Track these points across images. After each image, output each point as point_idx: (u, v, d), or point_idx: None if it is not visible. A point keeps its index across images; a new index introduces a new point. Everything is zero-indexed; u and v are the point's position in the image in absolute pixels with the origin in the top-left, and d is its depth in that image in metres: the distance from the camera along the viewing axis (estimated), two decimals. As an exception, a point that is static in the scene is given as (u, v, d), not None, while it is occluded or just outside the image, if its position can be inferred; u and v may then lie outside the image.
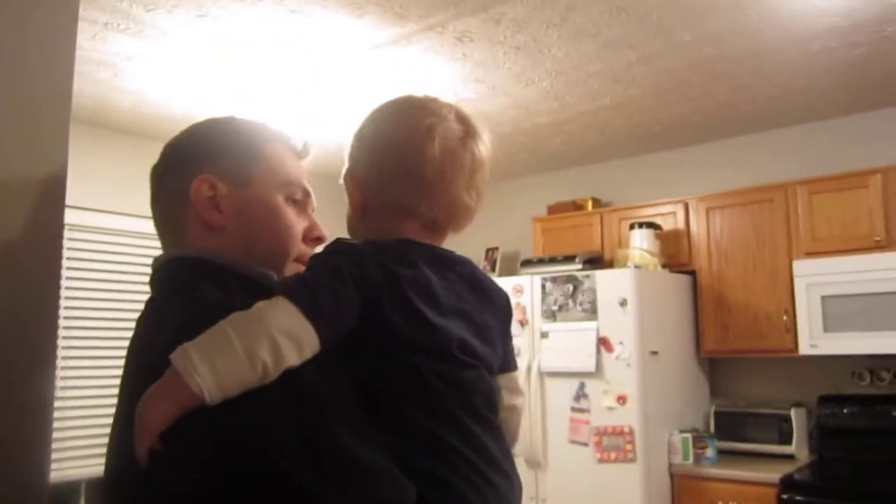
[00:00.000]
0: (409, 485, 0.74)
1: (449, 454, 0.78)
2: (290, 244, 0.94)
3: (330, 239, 0.91)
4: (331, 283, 0.77)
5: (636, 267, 3.60)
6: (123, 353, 0.88)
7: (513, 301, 1.54)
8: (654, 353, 3.57)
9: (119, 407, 0.84)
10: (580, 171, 4.63)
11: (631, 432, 3.40)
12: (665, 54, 2.96)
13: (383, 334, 0.80)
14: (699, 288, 3.91)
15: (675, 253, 3.96)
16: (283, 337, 0.71)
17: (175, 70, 3.04)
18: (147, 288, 0.96)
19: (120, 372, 0.87)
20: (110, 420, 0.85)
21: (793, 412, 3.60)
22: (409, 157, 0.88)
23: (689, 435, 3.58)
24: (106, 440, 0.85)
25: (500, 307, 0.94)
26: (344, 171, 0.95)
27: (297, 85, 3.21)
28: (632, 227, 3.95)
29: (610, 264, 3.93)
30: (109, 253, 3.76)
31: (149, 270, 0.96)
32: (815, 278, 3.44)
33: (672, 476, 3.55)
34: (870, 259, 3.32)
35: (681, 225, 3.98)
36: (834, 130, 3.84)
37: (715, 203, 3.89)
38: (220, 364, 0.68)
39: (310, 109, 3.53)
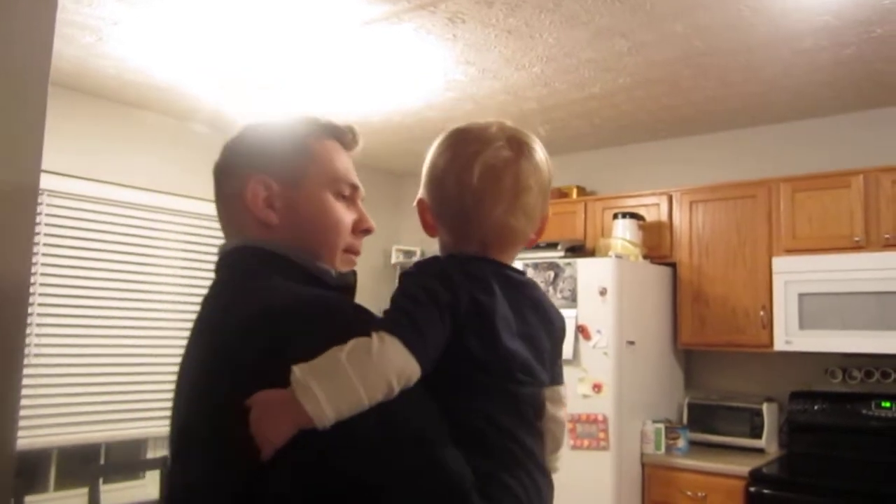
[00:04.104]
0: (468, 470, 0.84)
1: (500, 453, 0.89)
2: (338, 239, 1.02)
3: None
4: (432, 318, 0.85)
5: (617, 256, 3.61)
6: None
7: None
8: (631, 342, 3.59)
9: (189, 374, 0.95)
10: (566, 159, 4.62)
11: (605, 421, 3.43)
12: (656, 45, 2.96)
13: (459, 356, 0.88)
14: (679, 280, 3.93)
15: (656, 244, 3.98)
16: (395, 377, 0.80)
17: (161, 38, 2.99)
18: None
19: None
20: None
21: (764, 407, 3.64)
22: (451, 187, 0.95)
23: (661, 425, 3.61)
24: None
25: (556, 328, 1.02)
26: (417, 199, 1.03)
27: (286, 58, 3.17)
28: (615, 216, 3.96)
29: (592, 253, 3.94)
30: (88, 220, 3.71)
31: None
32: (793, 276, 3.47)
33: (643, 465, 3.59)
34: (848, 259, 3.35)
35: (664, 217, 4.00)
36: (820, 129, 3.86)
37: (698, 196, 3.91)
38: (342, 403, 0.78)
39: (298, 83, 3.49)
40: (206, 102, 3.79)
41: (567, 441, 3.56)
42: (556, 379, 1.03)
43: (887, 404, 3.40)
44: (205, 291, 1.02)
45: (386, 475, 0.79)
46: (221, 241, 1.06)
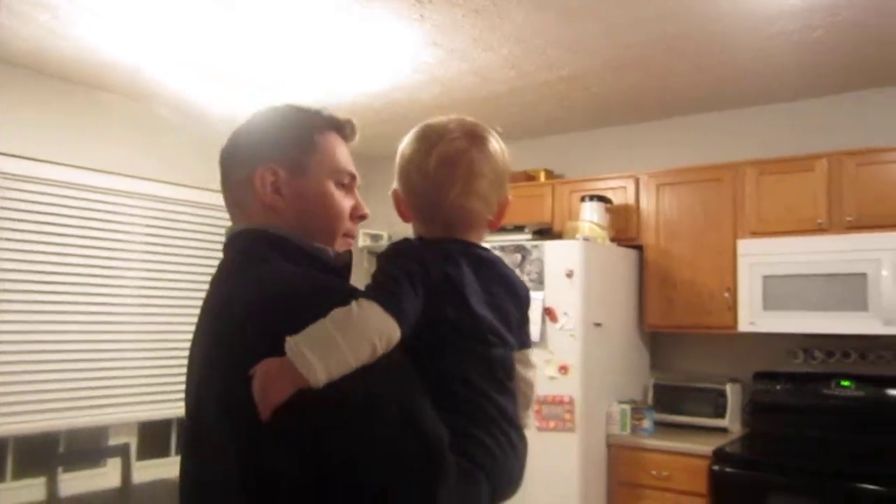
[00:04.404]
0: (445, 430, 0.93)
1: (475, 413, 0.99)
2: (339, 224, 1.12)
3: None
4: (407, 288, 0.95)
5: (585, 239, 3.61)
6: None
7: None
8: (598, 324, 3.61)
9: (197, 360, 1.04)
10: (534, 143, 4.61)
11: (571, 402, 3.44)
12: (627, 27, 2.94)
13: (437, 322, 0.98)
14: (645, 263, 3.96)
15: (623, 227, 3.99)
16: (377, 337, 0.90)
17: (120, 17, 2.89)
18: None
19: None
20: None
21: (728, 387, 3.69)
22: (415, 176, 1.07)
23: (627, 406, 3.64)
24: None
25: (521, 297, 1.12)
26: (392, 189, 1.14)
27: (253, 41, 3.10)
28: (582, 199, 3.96)
29: (559, 236, 3.94)
30: (47, 204, 3.60)
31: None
32: (758, 258, 3.51)
33: (609, 446, 3.62)
34: (811, 241, 3.40)
35: (631, 200, 4.01)
36: (787, 113, 3.89)
37: (665, 180, 3.92)
38: (331, 363, 0.87)
39: (266, 67, 3.42)
40: (169, 85, 3.70)
41: (533, 423, 3.56)
42: (525, 343, 1.13)
43: (847, 383, 3.47)
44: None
45: (368, 438, 0.88)
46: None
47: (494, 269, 1.08)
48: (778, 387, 3.65)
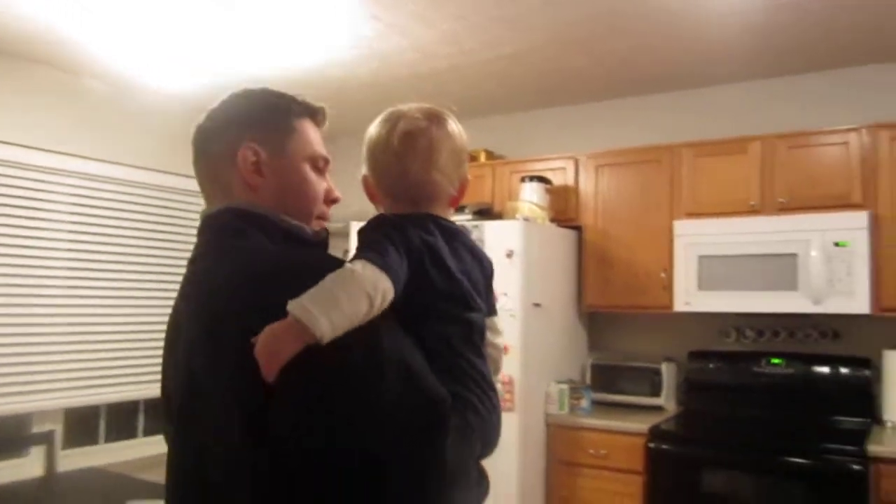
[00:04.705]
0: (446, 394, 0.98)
1: (461, 375, 1.05)
2: (314, 206, 1.17)
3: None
4: (393, 253, 1.01)
5: (525, 220, 3.60)
6: None
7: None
8: (537, 305, 3.61)
9: (189, 328, 1.03)
10: (475, 123, 4.56)
11: (511, 382, 3.44)
12: (568, 4, 2.92)
13: (423, 288, 1.04)
14: (584, 243, 3.98)
15: (563, 208, 4.00)
16: (374, 292, 0.95)
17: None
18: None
19: None
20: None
21: (663, 366, 3.75)
22: (380, 154, 1.15)
23: (566, 386, 3.67)
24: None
25: (486, 266, 1.19)
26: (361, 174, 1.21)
27: (181, 14, 2.96)
28: (522, 180, 3.95)
29: (499, 216, 3.92)
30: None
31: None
32: (693, 238, 3.56)
33: (548, 425, 3.64)
34: (744, 222, 3.47)
35: (570, 181, 4.02)
36: (726, 96, 3.95)
37: (604, 161, 3.94)
38: (335, 318, 0.91)
39: (197, 42, 3.28)
40: (100, 57, 3.52)
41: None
42: (492, 310, 1.20)
43: (777, 361, 3.56)
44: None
45: (375, 394, 0.91)
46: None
47: (461, 238, 1.15)
48: (711, 365, 3.73)
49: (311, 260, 1.06)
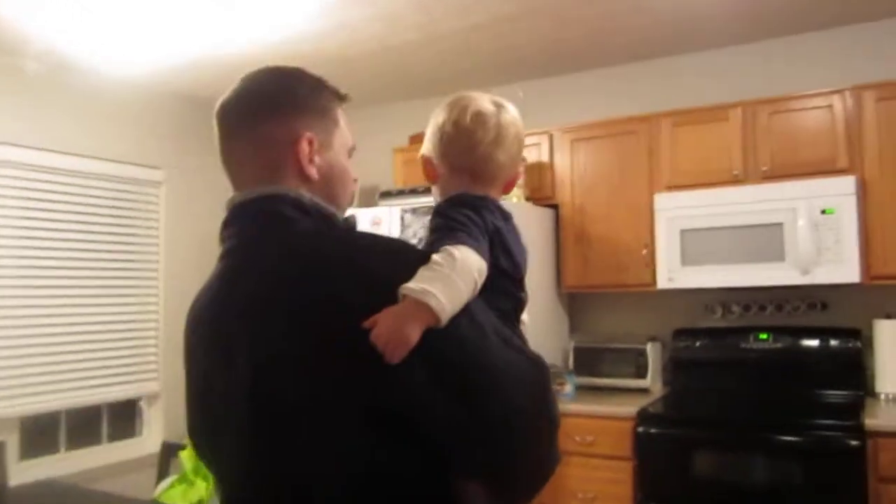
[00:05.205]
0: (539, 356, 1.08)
1: (517, 343, 1.09)
2: (352, 195, 1.22)
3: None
4: (476, 233, 1.08)
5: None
6: None
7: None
8: (516, 288, 3.45)
9: (278, 324, 1.00)
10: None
11: (491, 370, 3.28)
12: (535, -34, 2.75)
13: (493, 266, 1.09)
14: (561, 221, 3.82)
15: (538, 186, 3.84)
16: (478, 273, 1.02)
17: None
18: None
19: None
20: None
21: (648, 346, 3.61)
22: (450, 131, 1.20)
23: (548, 371, 3.51)
24: None
25: (525, 250, 1.24)
26: (420, 154, 1.28)
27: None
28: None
29: (472, 197, 3.75)
30: None
31: None
32: (675, 212, 3.41)
33: (531, 413, 3.48)
34: (727, 193, 3.33)
35: (545, 157, 3.86)
36: (703, 63, 3.80)
37: (579, 135, 3.78)
38: (454, 299, 0.97)
39: (147, 15, 3.06)
40: (39, 35, 3.28)
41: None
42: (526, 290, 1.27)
43: (764, 336, 3.44)
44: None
45: (493, 364, 0.99)
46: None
47: (512, 222, 1.22)
48: (697, 343, 3.60)
49: (401, 242, 1.14)
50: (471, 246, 1.04)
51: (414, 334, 0.93)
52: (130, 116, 4.16)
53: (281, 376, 0.98)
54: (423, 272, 0.98)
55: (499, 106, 1.23)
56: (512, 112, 1.24)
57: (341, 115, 1.20)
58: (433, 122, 1.25)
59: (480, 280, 1.02)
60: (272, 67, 1.18)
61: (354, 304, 0.95)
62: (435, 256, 1.00)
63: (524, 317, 1.27)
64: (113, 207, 4.04)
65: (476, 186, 1.20)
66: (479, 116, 1.19)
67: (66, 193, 3.82)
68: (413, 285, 0.95)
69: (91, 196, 3.94)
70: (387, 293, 0.95)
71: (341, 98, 1.21)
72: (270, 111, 1.12)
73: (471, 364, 0.97)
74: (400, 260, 1.02)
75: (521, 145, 1.26)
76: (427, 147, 1.26)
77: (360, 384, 0.94)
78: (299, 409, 0.97)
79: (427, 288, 0.95)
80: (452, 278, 0.98)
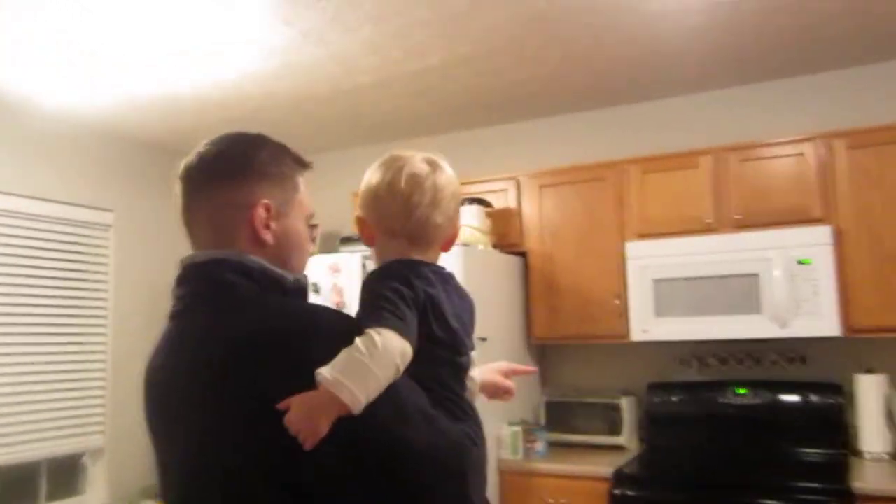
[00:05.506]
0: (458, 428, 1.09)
1: (453, 408, 1.11)
2: (306, 262, 1.23)
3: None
4: (406, 311, 1.06)
5: (464, 245, 3.27)
6: None
7: (329, 282, 2.60)
8: (483, 339, 3.26)
9: (194, 391, 1.04)
10: (406, 144, 4.23)
11: (457, 429, 3.09)
12: (493, 5, 2.63)
13: (423, 336, 1.08)
14: (530, 270, 3.67)
15: (505, 232, 3.69)
16: (399, 360, 1.01)
17: None
18: None
19: None
20: None
21: (622, 401, 3.45)
22: (383, 193, 1.18)
23: (518, 428, 3.32)
24: None
25: (470, 306, 1.25)
26: (354, 217, 1.27)
27: (72, 22, 2.58)
28: (461, 203, 3.63)
29: (437, 244, 3.59)
30: None
31: None
32: (647, 260, 3.28)
33: (500, 472, 3.27)
34: (700, 241, 3.21)
35: (512, 203, 3.72)
36: (673, 109, 3.73)
37: (547, 181, 3.66)
38: (370, 389, 0.96)
39: (96, 55, 2.90)
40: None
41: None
42: (472, 347, 1.24)
43: (743, 391, 3.29)
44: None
45: (405, 443, 0.98)
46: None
47: (453, 283, 1.21)
48: (673, 398, 3.44)
49: (326, 315, 1.08)
50: (394, 327, 1.02)
51: (324, 426, 0.93)
52: (77, 157, 3.96)
53: (204, 448, 1.02)
54: (343, 357, 0.97)
55: (433, 165, 1.21)
56: (447, 171, 1.22)
57: (302, 182, 1.20)
58: (366, 182, 1.22)
59: (403, 364, 1.00)
60: (237, 133, 1.19)
61: (274, 385, 0.95)
62: (357, 341, 0.98)
63: (473, 371, 1.26)
64: (60, 251, 3.82)
65: (414, 249, 1.18)
66: (414, 178, 1.17)
67: (10, 236, 3.60)
68: (328, 374, 0.94)
69: (37, 239, 3.72)
70: (307, 375, 0.94)
71: (304, 165, 1.22)
72: (230, 175, 1.14)
73: (384, 448, 0.98)
74: (323, 338, 1.00)
75: (458, 204, 1.25)
76: (362, 209, 1.23)
77: (275, 459, 0.95)
78: (219, 479, 1.00)
79: (341, 380, 0.94)
80: (370, 368, 0.96)
